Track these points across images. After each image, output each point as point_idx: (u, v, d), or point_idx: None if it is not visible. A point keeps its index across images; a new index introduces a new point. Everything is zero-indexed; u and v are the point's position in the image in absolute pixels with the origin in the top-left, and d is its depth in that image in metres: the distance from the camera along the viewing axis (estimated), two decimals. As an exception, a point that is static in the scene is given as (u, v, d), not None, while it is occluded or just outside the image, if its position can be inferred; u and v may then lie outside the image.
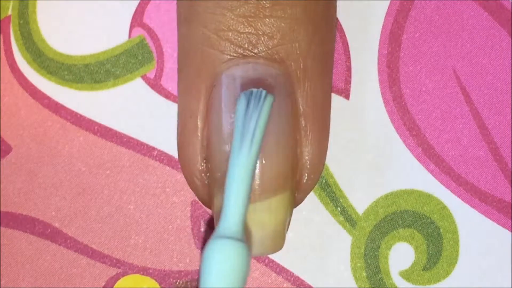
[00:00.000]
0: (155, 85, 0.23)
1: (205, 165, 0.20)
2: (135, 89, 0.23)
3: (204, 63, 0.20)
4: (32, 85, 0.23)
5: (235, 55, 0.20)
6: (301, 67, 0.20)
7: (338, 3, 0.22)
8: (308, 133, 0.20)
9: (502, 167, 0.23)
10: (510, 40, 0.23)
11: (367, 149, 0.23)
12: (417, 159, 0.23)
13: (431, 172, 0.23)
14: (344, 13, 0.23)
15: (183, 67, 0.20)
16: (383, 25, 0.23)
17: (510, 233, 0.22)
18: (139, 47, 0.23)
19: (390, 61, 0.23)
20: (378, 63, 0.23)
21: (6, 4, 0.23)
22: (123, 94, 0.23)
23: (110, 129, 0.23)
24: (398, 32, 0.23)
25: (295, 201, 0.20)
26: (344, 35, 0.23)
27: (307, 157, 0.20)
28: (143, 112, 0.23)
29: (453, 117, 0.23)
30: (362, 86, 0.23)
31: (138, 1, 0.23)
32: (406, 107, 0.23)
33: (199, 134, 0.20)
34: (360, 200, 0.23)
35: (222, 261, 0.17)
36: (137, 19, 0.23)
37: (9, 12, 0.23)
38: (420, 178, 0.23)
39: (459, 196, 0.23)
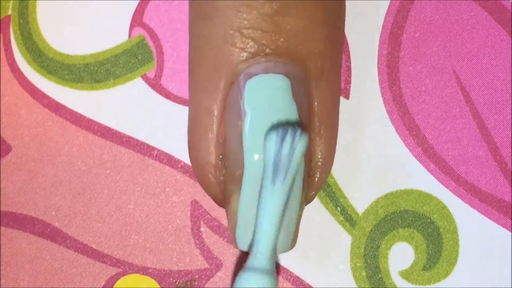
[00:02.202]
0: (155, 85, 0.23)
1: (221, 162, 0.20)
2: (135, 89, 0.23)
3: (224, 60, 0.20)
4: (32, 85, 0.23)
5: (256, 53, 0.19)
6: (319, 66, 0.20)
7: (338, 3, 0.22)
8: (321, 132, 0.20)
9: (502, 167, 0.23)
10: (510, 40, 0.23)
11: (367, 149, 0.23)
12: (417, 159, 0.23)
13: (431, 172, 0.23)
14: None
15: (198, 64, 0.20)
16: (383, 25, 0.23)
17: (510, 233, 0.22)
18: (139, 47, 0.23)
19: (390, 61, 0.23)
20: (378, 63, 0.23)
21: (6, 4, 0.23)
22: (123, 94, 0.23)
23: (110, 129, 0.23)
24: (398, 32, 0.23)
25: (307, 199, 0.20)
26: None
27: (319, 156, 0.20)
28: (143, 112, 0.23)
29: (453, 117, 0.23)
30: (362, 86, 0.23)
31: (138, 1, 0.23)
32: (406, 107, 0.23)
33: (214, 131, 0.20)
34: (360, 200, 0.23)
35: None
36: (137, 19, 0.23)
37: (9, 12, 0.23)
38: (420, 178, 0.23)
39: (459, 196, 0.23)
